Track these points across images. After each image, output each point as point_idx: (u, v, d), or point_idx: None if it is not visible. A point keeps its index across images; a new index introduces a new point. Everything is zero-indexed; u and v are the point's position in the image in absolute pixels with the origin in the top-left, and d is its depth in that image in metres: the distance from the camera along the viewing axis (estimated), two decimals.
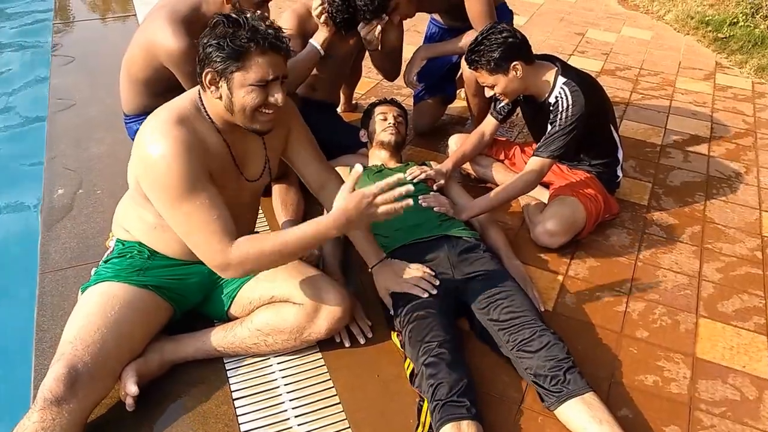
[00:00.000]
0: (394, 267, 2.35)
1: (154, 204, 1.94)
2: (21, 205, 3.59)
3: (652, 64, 5.11)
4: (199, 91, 2.00)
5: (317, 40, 2.95)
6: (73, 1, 5.74)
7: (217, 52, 1.85)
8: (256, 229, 2.49)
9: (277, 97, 1.93)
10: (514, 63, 2.70)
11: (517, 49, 2.71)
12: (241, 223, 2.18)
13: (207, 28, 1.92)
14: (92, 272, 2.18)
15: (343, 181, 2.32)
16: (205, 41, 1.88)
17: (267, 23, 1.90)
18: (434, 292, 2.27)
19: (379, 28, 3.01)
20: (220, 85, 1.89)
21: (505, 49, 2.67)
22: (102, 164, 3.32)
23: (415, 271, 2.33)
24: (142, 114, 2.85)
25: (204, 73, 1.90)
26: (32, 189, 3.37)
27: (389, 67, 3.43)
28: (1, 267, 3.14)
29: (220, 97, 1.92)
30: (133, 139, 2.94)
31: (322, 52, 2.96)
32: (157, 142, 1.86)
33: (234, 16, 1.88)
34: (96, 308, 1.96)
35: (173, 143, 1.85)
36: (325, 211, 2.52)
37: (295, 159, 2.34)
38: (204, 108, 1.99)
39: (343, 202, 1.90)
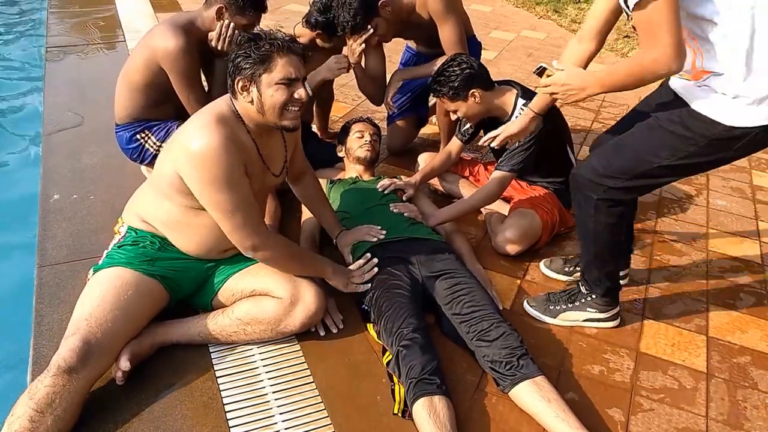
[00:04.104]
0: (353, 231, 2.77)
1: (198, 192, 2.14)
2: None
3: (614, 96, 5.30)
4: (231, 98, 2.24)
5: None
6: (63, 29, 5.94)
7: (245, 61, 2.13)
8: None
9: (301, 92, 2.19)
10: (473, 90, 2.96)
11: (474, 78, 2.97)
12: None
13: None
14: (104, 254, 2.33)
15: (315, 177, 2.76)
16: (233, 57, 2.16)
17: (282, 34, 2.19)
18: (382, 235, 2.69)
19: (364, 37, 3.28)
20: (250, 89, 2.16)
21: (463, 79, 2.94)
22: (94, 174, 3.49)
23: (366, 227, 2.76)
24: (131, 123, 3.10)
25: (235, 82, 2.17)
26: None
27: (374, 92, 3.68)
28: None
29: (252, 101, 2.17)
30: (122, 147, 3.18)
31: None
32: (206, 137, 2.09)
33: (255, 32, 2.18)
34: (111, 290, 2.14)
35: (220, 138, 2.09)
36: (303, 210, 2.92)
37: (292, 157, 2.62)
38: (237, 112, 2.23)
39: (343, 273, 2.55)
